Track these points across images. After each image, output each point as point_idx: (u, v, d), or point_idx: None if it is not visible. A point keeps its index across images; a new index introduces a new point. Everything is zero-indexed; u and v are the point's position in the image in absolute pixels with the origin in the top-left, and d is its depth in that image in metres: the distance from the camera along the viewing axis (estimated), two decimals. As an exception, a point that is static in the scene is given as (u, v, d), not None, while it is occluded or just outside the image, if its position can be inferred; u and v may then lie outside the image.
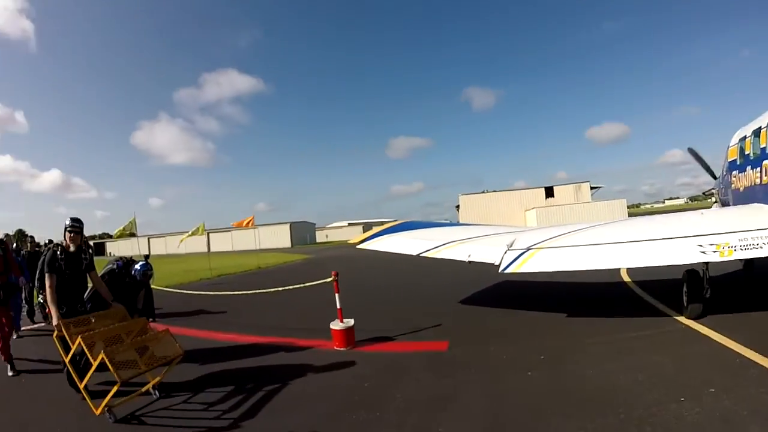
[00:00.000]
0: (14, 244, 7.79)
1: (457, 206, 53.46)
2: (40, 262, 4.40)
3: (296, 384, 3.97)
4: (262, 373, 4.44)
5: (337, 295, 5.13)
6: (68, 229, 4.07)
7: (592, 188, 49.13)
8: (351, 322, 5.01)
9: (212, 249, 58.52)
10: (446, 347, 4.70)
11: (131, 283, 5.09)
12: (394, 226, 6.76)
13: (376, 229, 6.72)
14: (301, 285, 6.52)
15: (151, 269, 5.19)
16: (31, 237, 8.77)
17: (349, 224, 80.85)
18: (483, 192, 54.38)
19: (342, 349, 4.86)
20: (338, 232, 76.48)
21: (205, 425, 3.27)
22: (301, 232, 63.38)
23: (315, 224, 73.29)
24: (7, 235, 7.58)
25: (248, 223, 21.60)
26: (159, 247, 65.29)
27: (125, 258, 5.36)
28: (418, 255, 5.43)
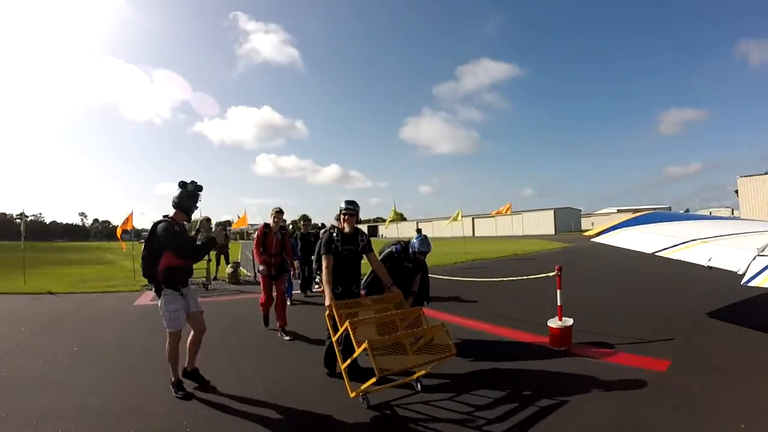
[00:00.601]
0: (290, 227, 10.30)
1: (736, 191, 37.99)
2: (317, 244, 4.95)
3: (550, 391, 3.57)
4: (518, 376, 4.10)
5: (558, 291, 4.99)
6: (343, 211, 4.08)
7: None
8: (569, 321, 4.83)
9: (477, 233, 62.97)
10: (666, 367, 3.99)
11: (409, 267, 4.88)
12: (634, 218, 5.85)
13: (612, 222, 6.01)
14: (531, 276, 6.58)
15: (428, 245, 4.84)
16: (304, 216, 10.98)
17: (618, 210, 70.44)
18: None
19: (555, 348, 4.77)
20: (605, 219, 67.96)
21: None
22: (566, 219, 59.68)
23: (581, 210, 67.36)
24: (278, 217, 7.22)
25: (506, 210, 22.31)
26: (426, 231, 74.47)
27: (403, 241, 5.06)
28: (653, 254, 4.62)
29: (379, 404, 3.43)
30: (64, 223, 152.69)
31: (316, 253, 7.09)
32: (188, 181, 3.83)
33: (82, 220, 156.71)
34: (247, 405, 3.53)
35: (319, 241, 5.01)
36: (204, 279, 11.51)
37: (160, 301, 3.70)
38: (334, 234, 4.07)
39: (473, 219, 66.36)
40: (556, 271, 5.12)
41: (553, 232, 56.17)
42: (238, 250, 23.03)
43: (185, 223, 3.90)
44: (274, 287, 6.03)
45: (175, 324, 3.71)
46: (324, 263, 3.96)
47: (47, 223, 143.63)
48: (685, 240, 4.42)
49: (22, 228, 13.45)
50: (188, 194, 3.81)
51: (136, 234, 14.96)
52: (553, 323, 4.84)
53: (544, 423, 3.05)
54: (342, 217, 4.14)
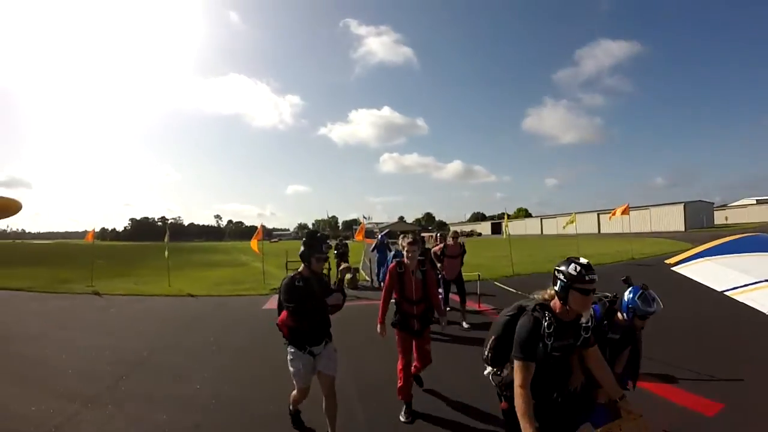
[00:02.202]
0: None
1: None
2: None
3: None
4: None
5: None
6: (577, 283, 2.35)
7: None
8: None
9: (603, 230, 58.02)
10: (715, 412, 3.89)
11: (615, 339, 3.24)
12: (722, 244, 5.56)
13: (695, 249, 5.77)
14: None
15: (654, 303, 3.17)
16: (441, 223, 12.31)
17: (758, 201, 58.79)
18: None
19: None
20: (742, 212, 57.81)
21: None
22: (697, 214, 52.49)
23: (713, 203, 58.17)
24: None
25: (622, 211, 20.60)
26: (551, 228, 70.98)
27: (606, 296, 3.39)
28: (722, 292, 4.53)
29: None
30: (201, 224, 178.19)
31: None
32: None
33: (217, 221, 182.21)
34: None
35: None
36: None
37: None
38: (544, 321, 2.41)
39: (598, 215, 61.62)
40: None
41: (683, 229, 49.57)
42: (360, 250, 22.01)
43: (323, 273, 3.76)
44: (413, 346, 4.41)
45: (298, 381, 3.57)
46: (519, 381, 2.33)
47: (185, 225, 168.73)
48: (762, 279, 4.28)
49: (166, 237, 15.31)
50: (305, 244, 3.57)
51: (267, 233, 17.28)
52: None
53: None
54: (574, 293, 2.36)
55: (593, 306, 3.10)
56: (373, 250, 13.55)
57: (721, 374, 4.78)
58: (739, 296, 4.33)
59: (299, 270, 3.60)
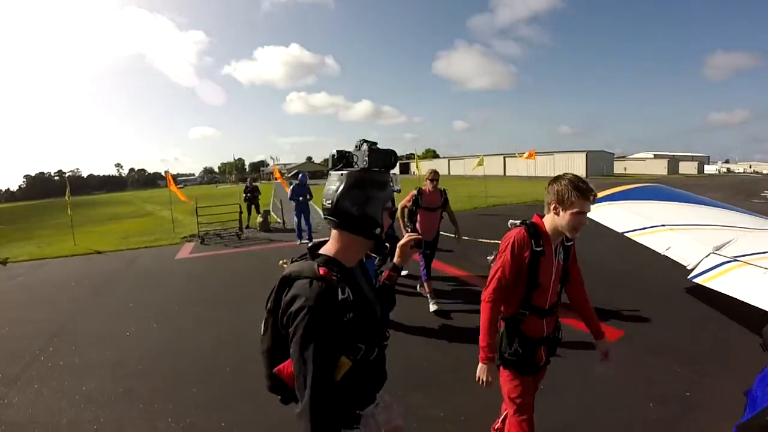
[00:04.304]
0: None
1: None
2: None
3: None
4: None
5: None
6: None
7: None
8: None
9: (508, 173, 61.84)
10: (616, 338, 4.47)
11: None
12: (621, 192, 6.10)
13: (603, 193, 6.26)
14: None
15: None
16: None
17: (655, 156, 67.24)
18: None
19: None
20: (640, 164, 65.80)
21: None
22: (598, 163, 58.10)
23: (614, 154, 65.07)
24: None
25: (529, 155, 21.75)
26: (458, 169, 73.94)
27: None
28: (622, 233, 5.01)
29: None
30: (101, 175, 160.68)
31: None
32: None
33: (118, 170, 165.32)
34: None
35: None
36: (237, 229, 12.62)
37: None
38: None
39: (504, 158, 65.18)
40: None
41: (585, 175, 54.95)
42: (269, 192, 23.60)
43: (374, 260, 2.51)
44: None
45: None
46: None
47: (85, 177, 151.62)
48: (655, 224, 4.76)
49: (67, 192, 13.52)
50: (357, 184, 1.33)
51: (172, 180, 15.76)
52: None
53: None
54: None
55: None
56: (292, 197, 10.47)
57: (622, 306, 5.42)
58: (637, 237, 4.85)
59: (326, 260, 1.36)
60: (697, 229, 4.40)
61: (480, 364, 2.14)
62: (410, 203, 5.50)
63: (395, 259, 1.64)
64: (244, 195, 14.75)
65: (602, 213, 5.67)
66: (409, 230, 5.47)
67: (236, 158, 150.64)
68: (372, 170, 1.36)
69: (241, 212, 12.93)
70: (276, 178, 18.24)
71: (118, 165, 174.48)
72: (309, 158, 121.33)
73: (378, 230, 1.38)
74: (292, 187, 10.63)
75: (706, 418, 3.05)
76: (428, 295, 5.55)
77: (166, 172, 14.10)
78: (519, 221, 2.25)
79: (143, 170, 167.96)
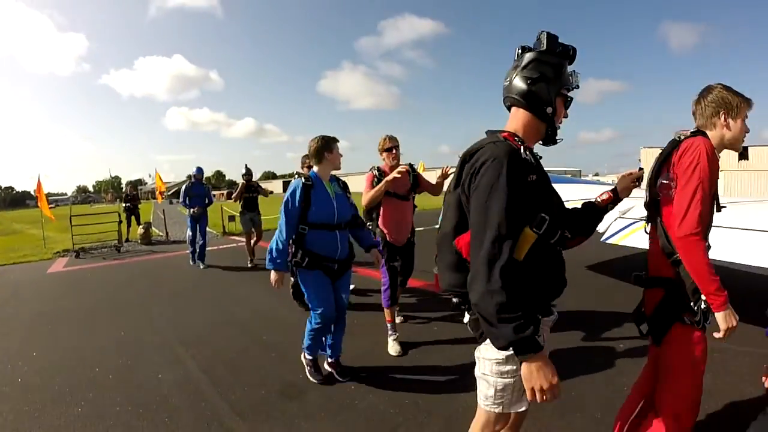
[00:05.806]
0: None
1: (639, 159, 42.59)
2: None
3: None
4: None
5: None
6: None
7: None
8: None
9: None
10: None
11: None
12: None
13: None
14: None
15: None
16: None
17: None
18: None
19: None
20: None
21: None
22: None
23: None
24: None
25: (420, 169, 22.60)
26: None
27: None
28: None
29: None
30: None
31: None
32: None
33: None
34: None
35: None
36: (116, 241, 11.28)
37: None
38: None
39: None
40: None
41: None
42: (149, 210, 22.33)
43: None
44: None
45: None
46: None
47: None
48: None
49: None
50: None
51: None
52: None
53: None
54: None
55: None
56: (185, 202, 8.15)
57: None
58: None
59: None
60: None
61: (721, 313, 1.52)
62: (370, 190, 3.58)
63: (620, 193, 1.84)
64: (123, 205, 13.64)
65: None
66: (370, 228, 3.68)
67: (112, 176, 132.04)
68: (549, 52, 1.37)
69: (120, 222, 11.48)
70: (157, 189, 16.99)
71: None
72: (189, 177, 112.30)
73: (550, 110, 1.36)
74: (185, 186, 8.15)
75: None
76: (388, 326, 3.76)
77: (38, 184, 12.10)
78: (686, 130, 1.74)
79: (11, 188, 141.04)
